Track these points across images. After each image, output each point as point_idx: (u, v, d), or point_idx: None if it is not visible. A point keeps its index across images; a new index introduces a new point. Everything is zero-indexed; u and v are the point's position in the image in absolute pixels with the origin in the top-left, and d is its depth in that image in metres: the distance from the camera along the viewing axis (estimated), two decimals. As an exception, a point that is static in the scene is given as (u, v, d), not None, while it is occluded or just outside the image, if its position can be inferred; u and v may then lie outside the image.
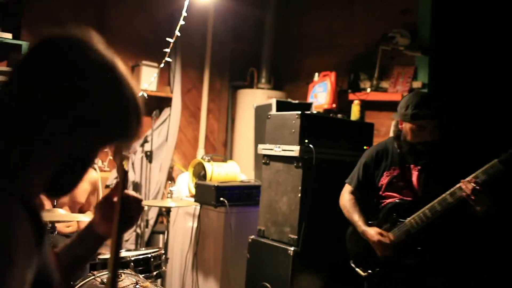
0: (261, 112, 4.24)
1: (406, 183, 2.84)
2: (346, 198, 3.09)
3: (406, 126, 2.81)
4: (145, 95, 4.34)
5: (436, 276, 2.75)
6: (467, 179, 2.48)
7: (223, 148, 5.77)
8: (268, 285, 3.37)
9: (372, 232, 2.81)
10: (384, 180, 2.92)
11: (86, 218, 2.78)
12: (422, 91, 2.71)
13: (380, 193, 2.94)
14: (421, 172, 2.81)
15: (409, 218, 2.72)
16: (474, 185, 2.43)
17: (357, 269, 2.99)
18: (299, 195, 3.27)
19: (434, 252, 2.73)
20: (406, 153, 2.86)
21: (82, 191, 3.75)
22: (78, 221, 3.45)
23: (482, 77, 3.93)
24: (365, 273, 2.93)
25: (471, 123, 3.81)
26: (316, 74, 4.87)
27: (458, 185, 2.52)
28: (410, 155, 2.85)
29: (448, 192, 2.57)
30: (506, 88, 3.87)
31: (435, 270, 2.74)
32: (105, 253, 3.38)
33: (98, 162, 4.68)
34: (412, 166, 2.85)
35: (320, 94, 4.70)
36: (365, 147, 3.70)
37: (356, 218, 2.95)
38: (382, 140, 4.44)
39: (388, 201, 2.89)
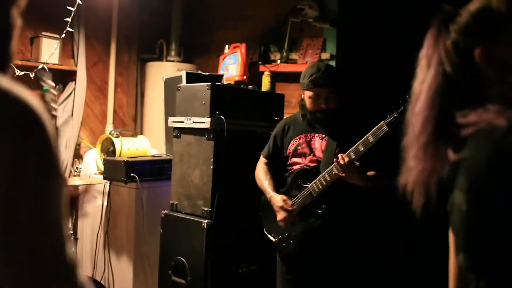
0: (171, 85, 4.14)
1: (309, 150, 2.93)
2: (259, 168, 3.16)
3: (305, 95, 2.91)
4: (46, 67, 4.11)
5: (341, 248, 2.87)
6: (342, 155, 2.64)
7: (133, 123, 5.59)
8: (183, 259, 3.34)
9: (278, 198, 2.89)
10: (290, 148, 2.99)
11: None
12: (322, 62, 2.79)
13: (288, 162, 3.01)
14: (323, 139, 2.91)
15: (311, 183, 2.82)
16: (343, 162, 2.61)
17: (269, 236, 3.05)
18: (211, 167, 3.24)
19: (336, 213, 2.84)
20: (309, 122, 2.95)
21: None
22: None
23: (387, 48, 4.06)
24: (276, 239, 2.99)
25: (373, 93, 3.94)
26: (227, 46, 4.81)
27: (335, 162, 2.69)
28: (313, 124, 2.95)
29: (332, 166, 2.71)
30: (411, 59, 4.01)
31: (339, 232, 2.85)
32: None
33: None
34: (315, 134, 2.94)
35: (231, 66, 4.66)
36: (276, 118, 3.73)
37: (266, 185, 3.02)
38: (292, 111, 4.52)
39: (294, 168, 2.97)
